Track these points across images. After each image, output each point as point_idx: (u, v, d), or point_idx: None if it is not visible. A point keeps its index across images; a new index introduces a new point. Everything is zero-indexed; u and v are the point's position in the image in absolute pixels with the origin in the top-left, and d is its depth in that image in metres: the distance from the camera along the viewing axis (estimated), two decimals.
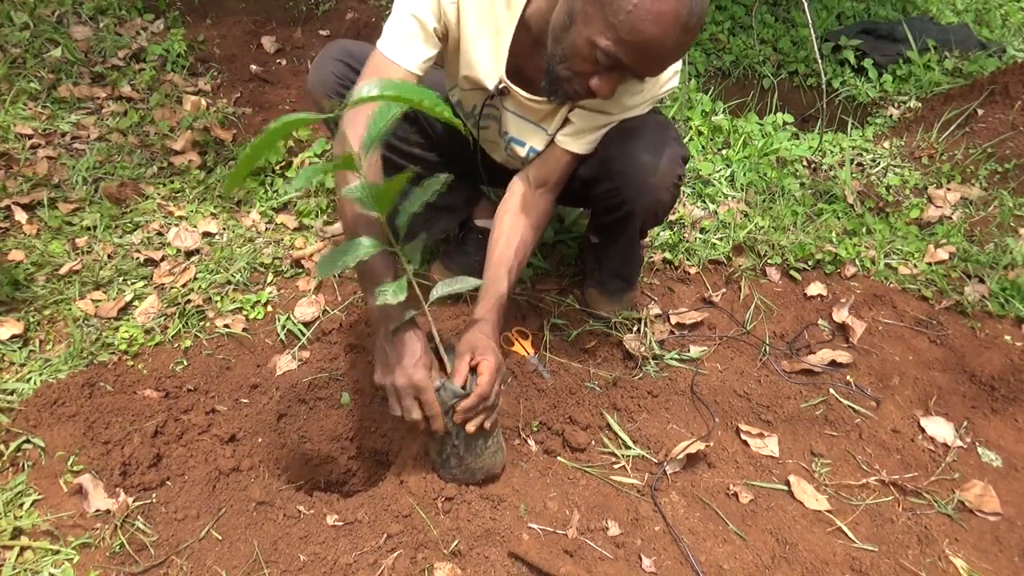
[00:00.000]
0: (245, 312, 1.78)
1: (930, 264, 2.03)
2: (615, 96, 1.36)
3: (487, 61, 1.40)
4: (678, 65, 1.40)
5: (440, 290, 1.26)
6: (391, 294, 1.15)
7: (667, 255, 1.99)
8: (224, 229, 2.03)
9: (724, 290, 1.94)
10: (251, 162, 0.93)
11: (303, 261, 1.93)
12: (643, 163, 1.41)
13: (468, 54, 1.40)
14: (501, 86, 1.43)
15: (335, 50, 1.55)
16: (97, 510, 1.32)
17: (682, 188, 2.26)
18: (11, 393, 1.52)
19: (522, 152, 1.55)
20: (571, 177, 1.54)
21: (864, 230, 2.16)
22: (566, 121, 1.47)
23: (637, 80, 1.27)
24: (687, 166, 2.32)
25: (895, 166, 2.48)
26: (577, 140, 1.46)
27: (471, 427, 1.27)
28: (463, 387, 1.26)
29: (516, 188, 1.52)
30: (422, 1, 1.33)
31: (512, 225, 1.47)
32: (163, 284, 1.84)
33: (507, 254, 1.44)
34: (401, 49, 1.35)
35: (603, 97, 1.24)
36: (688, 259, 2.01)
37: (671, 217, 2.13)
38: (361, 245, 1.14)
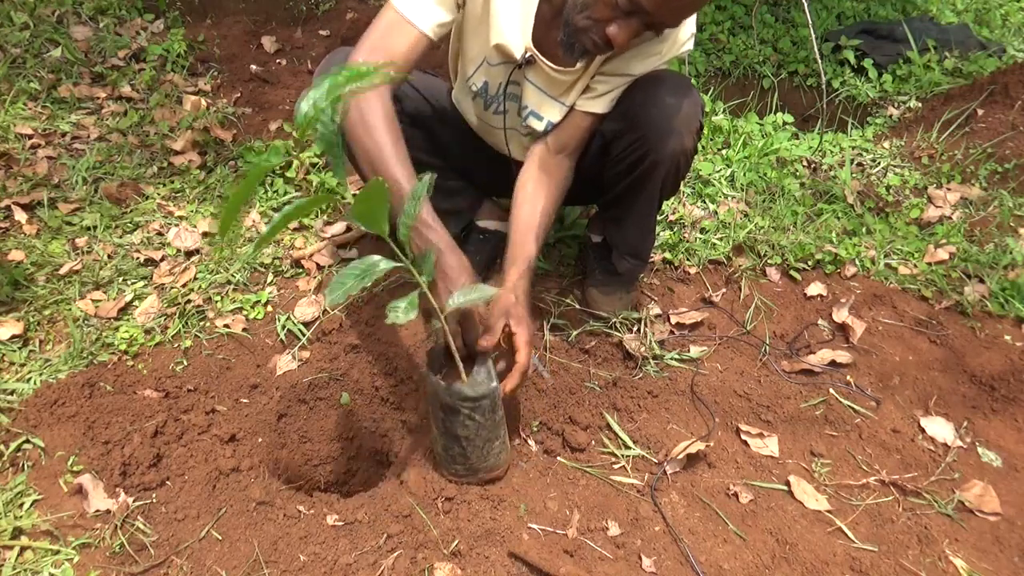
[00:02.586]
0: (245, 312, 1.78)
1: (930, 264, 2.03)
2: (638, 58, 1.38)
3: (515, 29, 1.41)
4: (693, 26, 1.41)
5: (457, 300, 1.24)
6: (403, 313, 1.10)
7: (667, 255, 1.99)
8: None
9: (724, 290, 1.94)
10: (237, 205, 0.90)
11: (303, 261, 1.93)
12: (668, 105, 1.41)
13: (497, 21, 1.40)
14: (528, 55, 1.43)
15: (341, 56, 1.55)
16: (97, 510, 1.32)
17: (685, 185, 2.27)
18: (11, 393, 1.52)
19: (539, 126, 1.55)
20: (590, 141, 1.54)
21: (864, 230, 2.16)
22: (587, 89, 1.47)
23: (653, 33, 1.27)
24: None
25: (895, 166, 2.48)
26: (596, 101, 1.47)
27: (509, 388, 1.30)
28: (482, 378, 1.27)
29: (535, 154, 1.53)
30: None
31: (535, 190, 1.48)
32: (163, 284, 1.84)
33: (532, 220, 1.44)
34: (414, 7, 1.31)
35: (619, 45, 1.24)
36: (688, 259, 2.00)
37: (671, 216, 2.13)
38: (376, 266, 1.10)
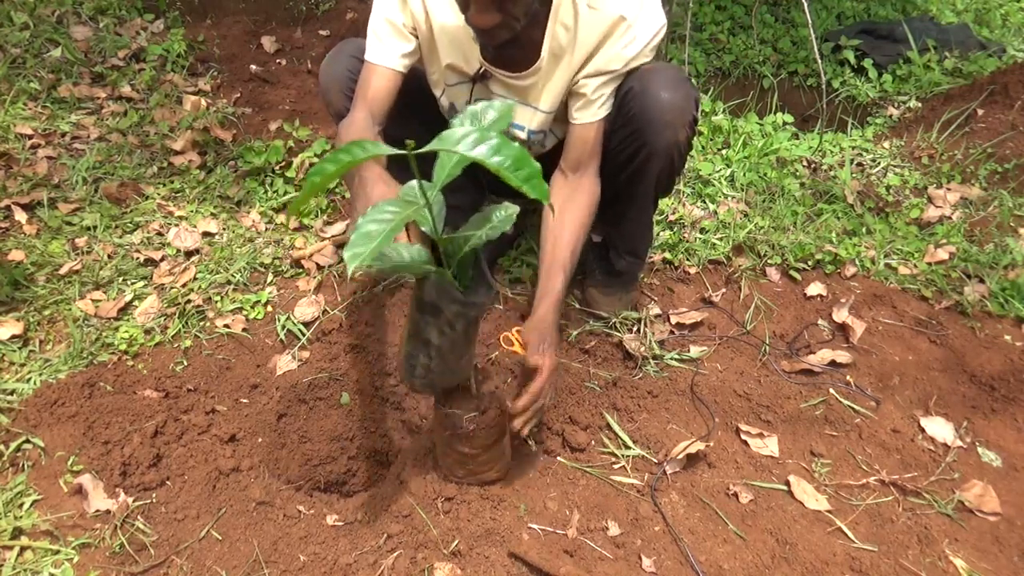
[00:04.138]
0: (245, 312, 1.78)
1: (930, 264, 2.03)
2: (609, 53, 1.39)
3: (463, 47, 1.44)
4: (660, 10, 1.40)
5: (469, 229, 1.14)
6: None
7: (667, 255, 1.99)
8: (224, 229, 2.03)
9: (724, 290, 1.94)
10: (316, 190, 0.91)
11: (303, 261, 1.93)
12: (662, 99, 1.42)
13: (444, 43, 1.45)
14: (481, 69, 1.46)
15: (350, 47, 1.57)
16: (97, 510, 1.32)
17: (685, 185, 2.27)
18: (11, 393, 1.52)
19: (522, 135, 1.57)
20: (605, 146, 1.53)
21: (864, 230, 2.16)
22: (570, 96, 1.47)
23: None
24: (687, 166, 2.34)
25: (895, 166, 2.48)
26: (591, 108, 1.46)
27: (524, 430, 1.34)
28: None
29: (554, 183, 1.53)
30: (389, 2, 1.42)
31: (557, 222, 1.48)
32: (163, 284, 1.84)
33: (557, 253, 1.45)
34: (378, 50, 1.45)
35: (481, 25, 1.25)
36: (688, 259, 2.00)
37: (671, 216, 2.13)
38: (412, 257, 1.06)
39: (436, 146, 0.91)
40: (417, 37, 1.46)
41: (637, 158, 1.49)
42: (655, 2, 1.39)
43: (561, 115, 1.53)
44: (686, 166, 2.33)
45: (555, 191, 1.51)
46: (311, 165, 2.29)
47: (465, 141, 0.89)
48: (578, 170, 1.51)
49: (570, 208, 1.48)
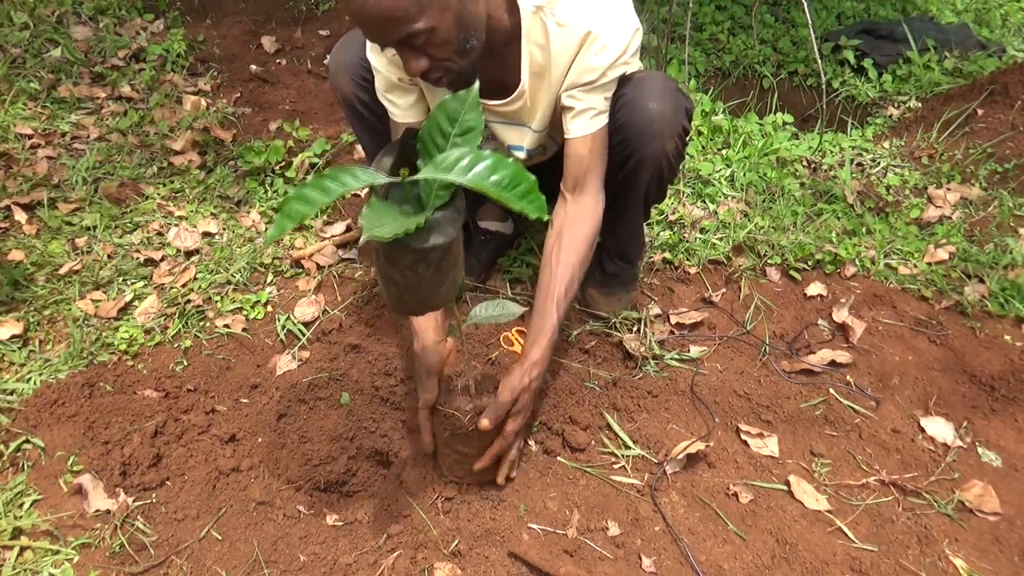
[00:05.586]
0: (245, 312, 1.78)
1: (930, 264, 2.03)
2: (580, 68, 1.37)
3: None
4: (635, 19, 1.37)
5: (479, 314, 1.20)
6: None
7: (667, 255, 1.99)
8: (224, 229, 2.03)
9: (724, 290, 1.94)
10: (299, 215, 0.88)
11: (303, 261, 1.93)
12: (650, 110, 1.41)
13: (433, 90, 1.46)
14: None
15: (360, 34, 1.55)
16: (97, 510, 1.32)
17: (685, 185, 2.27)
18: (11, 393, 1.52)
19: (522, 155, 1.57)
20: (607, 159, 1.50)
21: (864, 230, 2.16)
22: (562, 110, 1.46)
23: (407, 48, 1.22)
24: (687, 166, 2.34)
25: (895, 166, 2.48)
26: (582, 119, 1.43)
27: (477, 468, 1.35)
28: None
29: (557, 209, 1.50)
30: (377, 61, 1.45)
31: (554, 251, 1.45)
32: (163, 284, 1.84)
33: (552, 287, 1.42)
34: (392, 111, 1.51)
35: (412, 73, 1.24)
36: (688, 259, 2.00)
37: (671, 216, 2.13)
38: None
39: (429, 173, 0.90)
40: (415, 83, 1.48)
41: (627, 166, 1.49)
42: (625, 8, 1.37)
43: (557, 123, 1.52)
44: (685, 167, 2.34)
45: (555, 217, 1.49)
46: (311, 165, 2.29)
47: (460, 165, 0.89)
48: (576, 189, 1.47)
49: (568, 237, 1.45)
